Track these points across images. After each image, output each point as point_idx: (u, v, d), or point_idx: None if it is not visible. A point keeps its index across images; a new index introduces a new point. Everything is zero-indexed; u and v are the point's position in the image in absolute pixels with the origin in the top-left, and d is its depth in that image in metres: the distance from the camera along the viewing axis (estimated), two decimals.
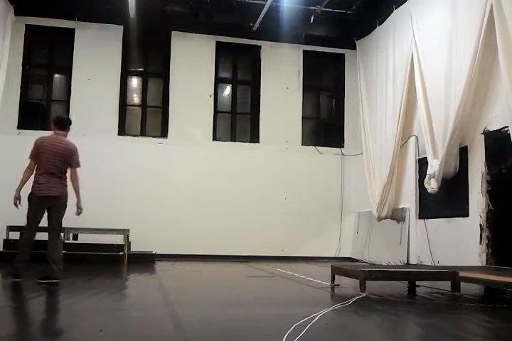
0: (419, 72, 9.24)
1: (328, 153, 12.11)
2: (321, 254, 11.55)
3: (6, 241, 9.41)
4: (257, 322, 3.96)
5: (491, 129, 7.66)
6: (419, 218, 9.45)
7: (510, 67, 6.85)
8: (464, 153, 8.20)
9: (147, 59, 12.10)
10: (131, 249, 9.80)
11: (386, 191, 10.15)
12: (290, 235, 11.46)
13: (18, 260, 5.93)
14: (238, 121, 12.30)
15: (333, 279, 6.20)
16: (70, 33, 11.35)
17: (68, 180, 6.23)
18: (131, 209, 10.70)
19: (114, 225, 9.73)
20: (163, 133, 11.60)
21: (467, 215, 7.98)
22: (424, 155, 9.03)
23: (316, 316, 3.92)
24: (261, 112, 12.08)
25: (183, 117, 11.61)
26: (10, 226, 9.41)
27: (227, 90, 12.56)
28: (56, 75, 11.96)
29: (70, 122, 6.58)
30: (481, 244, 7.60)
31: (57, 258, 5.95)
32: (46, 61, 11.83)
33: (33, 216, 6.06)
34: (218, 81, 12.19)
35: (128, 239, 9.64)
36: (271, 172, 11.68)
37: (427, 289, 6.10)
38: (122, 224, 9.74)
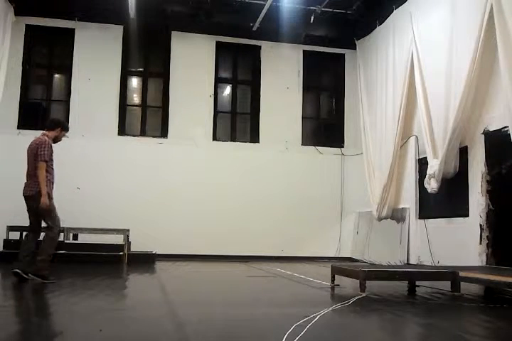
0: (419, 72, 9.24)
1: (328, 153, 12.11)
2: (321, 254, 11.55)
3: (6, 241, 9.40)
4: (257, 322, 3.96)
5: (491, 129, 7.66)
6: (419, 218, 9.45)
7: (510, 67, 6.85)
8: (464, 153, 8.20)
9: (147, 59, 12.09)
10: (131, 249, 9.80)
11: (386, 191, 10.15)
12: (290, 235, 11.45)
13: (19, 259, 5.99)
14: (238, 121, 12.30)
15: (333, 279, 6.20)
16: (70, 33, 11.35)
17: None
18: (131, 209, 10.70)
19: (114, 225, 9.74)
20: (163, 133, 11.60)
21: (467, 215, 7.98)
22: (424, 155, 9.03)
23: (316, 316, 3.92)
24: (261, 112, 12.08)
25: (183, 117, 11.61)
26: (10, 227, 9.41)
27: (227, 90, 12.55)
28: (56, 75, 11.97)
29: (55, 122, 6.52)
30: (481, 244, 7.60)
31: (38, 259, 5.97)
32: (46, 61, 11.83)
33: (28, 217, 6.21)
34: (218, 81, 12.19)
35: (128, 239, 9.65)
36: (271, 173, 11.67)
37: (427, 289, 6.10)
38: (122, 224, 9.75)
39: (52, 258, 8.50)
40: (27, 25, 11.19)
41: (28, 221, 6.23)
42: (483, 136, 7.81)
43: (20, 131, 10.74)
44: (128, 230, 9.66)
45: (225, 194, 11.36)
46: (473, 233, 7.71)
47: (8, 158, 10.35)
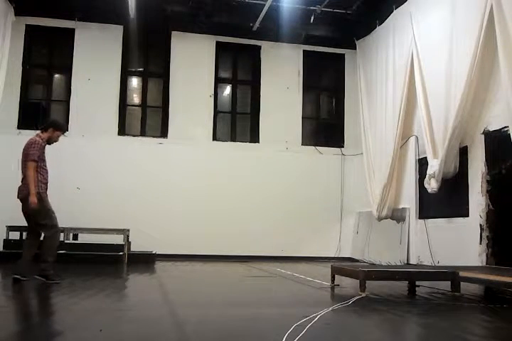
0: (419, 72, 9.24)
1: (328, 153, 12.11)
2: (321, 254, 11.54)
3: (6, 241, 9.41)
4: (257, 322, 3.96)
5: (491, 129, 7.66)
6: (419, 218, 9.45)
7: (510, 67, 6.85)
8: (464, 153, 8.20)
9: (147, 59, 12.10)
10: (131, 249, 9.80)
11: (386, 191, 10.15)
12: (290, 235, 11.45)
13: (21, 262, 6.02)
14: (238, 121, 12.30)
15: (333, 279, 6.20)
16: (70, 33, 11.35)
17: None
18: (131, 209, 10.71)
19: (114, 225, 9.74)
20: (163, 133, 11.60)
21: (467, 215, 7.98)
22: (424, 155, 9.03)
23: (316, 316, 3.92)
24: (261, 112, 12.08)
25: (183, 117, 11.61)
26: (10, 227, 9.41)
27: (227, 90, 12.55)
28: (56, 75, 11.97)
29: (47, 123, 6.42)
30: (481, 244, 7.60)
31: (41, 259, 5.96)
32: (46, 61, 11.83)
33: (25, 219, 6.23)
34: (218, 81, 12.19)
35: (128, 239, 9.65)
36: (271, 173, 11.67)
37: (427, 289, 6.10)
38: (122, 224, 9.75)
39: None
40: (27, 25, 11.18)
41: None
42: (483, 136, 7.81)
43: (20, 131, 10.74)
44: (128, 230, 9.66)
45: (225, 194, 11.35)
46: (473, 233, 7.71)
47: (8, 158, 10.32)
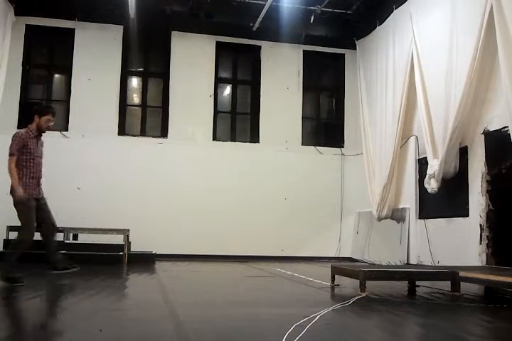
0: (419, 72, 9.24)
1: (328, 153, 12.11)
2: (321, 254, 11.55)
3: (6, 241, 9.40)
4: (257, 322, 3.96)
5: (491, 129, 7.66)
6: (419, 218, 9.45)
7: (510, 67, 6.85)
8: (464, 153, 8.20)
9: (147, 59, 12.10)
10: (131, 249, 9.80)
11: (386, 191, 10.15)
12: (290, 235, 11.45)
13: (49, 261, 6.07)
14: (238, 121, 12.30)
15: (333, 279, 6.20)
16: (70, 33, 11.35)
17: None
18: (131, 209, 10.70)
19: (114, 225, 9.74)
20: (163, 133, 11.61)
21: (467, 215, 7.98)
22: (424, 155, 9.03)
23: (316, 316, 3.92)
24: (261, 112, 12.08)
25: (183, 117, 11.61)
26: (10, 227, 9.40)
27: (227, 90, 12.56)
28: (56, 75, 11.97)
29: (32, 111, 6.12)
30: (481, 244, 7.60)
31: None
32: (46, 61, 11.83)
33: None
34: (218, 81, 12.19)
35: (128, 239, 9.64)
36: (271, 172, 11.67)
37: (427, 289, 6.10)
38: (122, 224, 9.75)
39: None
40: (27, 25, 11.18)
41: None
42: (483, 136, 7.81)
43: (20, 131, 10.73)
44: (128, 230, 9.66)
45: (225, 194, 11.36)
46: (473, 233, 7.71)
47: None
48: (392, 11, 10.41)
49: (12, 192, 5.75)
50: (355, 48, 12.13)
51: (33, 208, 5.84)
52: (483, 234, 7.59)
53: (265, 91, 12.14)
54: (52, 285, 5.71)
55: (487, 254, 7.51)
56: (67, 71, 11.42)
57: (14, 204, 5.79)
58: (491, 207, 7.59)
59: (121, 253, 9.26)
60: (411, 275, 5.86)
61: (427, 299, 5.36)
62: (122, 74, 11.56)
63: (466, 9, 7.95)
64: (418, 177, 9.57)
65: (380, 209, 10.30)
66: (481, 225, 7.63)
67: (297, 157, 11.94)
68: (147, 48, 12.01)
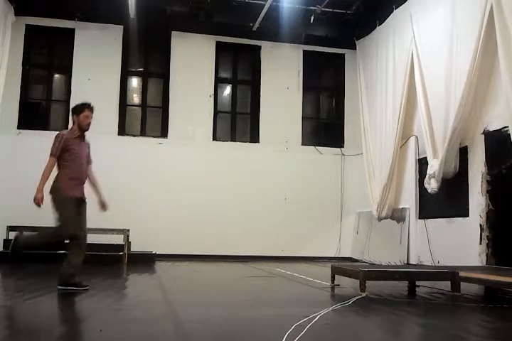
0: (419, 72, 9.24)
1: (328, 153, 12.11)
2: (321, 254, 11.55)
3: (6, 241, 9.39)
4: (257, 322, 3.96)
5: (491, 129, 7.66)
6: (419, 218, 9.45)
7: (510, 67, 6.85)
8: (464, 153, 8.20)
9: (147, 59, 12.09)
10: (131, 249, 9.80)
11: (386, 191, 10.14)
12: (290, 235, 11.45)
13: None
14: (238, 121, 12.30)
15: (333, 279, 6.20)
16: (70, 33, 11.34)
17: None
18: (131, 209, 10.69)
19: (114, 225, 9.73)
20: (163, 133, 11.60)
21: (467, 215, 7.98)
22: (424, 155, 9.03)
23: (316, 316, 3.92)
24: (261, 112, 12.08)
25: (183, 117, 11.61)
26: (10, 227, 9.41)
27: (227, 90, 12.55)
28: (56, 75, 11.96)
29: (73, 108, 6.04)
30: (481, 244, 7.60)
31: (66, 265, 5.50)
32: (46, 61, 11.83)
33: None
34: (218, 81, 12.19)
35: (128, 239, 9.65)
36: (271, 173, 11.67)
37: (427, 289, 6.10)
38: (122, 224, 9.74)
39: (54, 258, 8.51)
40: (27, 25, 11.18)
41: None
42: (483, 136, 7.81)
43: (21, 131, 10.75)
44: (128, 230, 9.66)
45: (225, 194, 11.36)
46: (473, 233, 7.71)
47: (9, 158, 10.36)
48: (392, 11, 10.41)
49: (52, 192, 5.50)
50: (355, 48, 12.13)
51: (71, 209, 5.56)
52: (483, 234, 7.59)
53: (265, 91, 12.14)
54: (52, 285, 5.71)
55: (487, 254, 7.51)
56: (67, 71, 11.42)
57: (54, 206, 5.52)
58: (491, 207, 7.60)
59: (121, 253, 9.26)
60: (411, 275, 5.86)
61: (427, 299, 5.36)
62: (122, 74, 11.56)
63: (466, 9, 7.94)
64: (418, 177, 9.57)
65: (380, 209, 10.29)
66: (481, 225, 7.63)
67: (297, 157, 11.94)
68: (147, 48, 12.01)
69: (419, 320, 4.24)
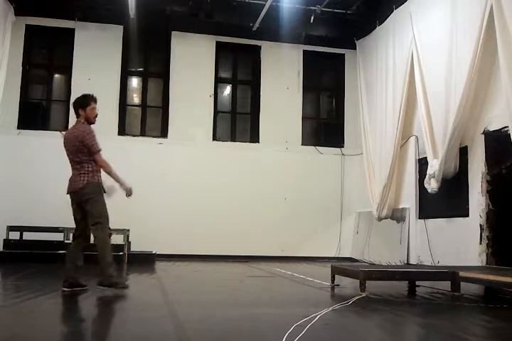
0: (419, 72, 9.24)
1: (328, 153, 12.10)
2: (321, 254, 11.54)
3: (6, 241, 9.40)
4: (257, 322, 3.96)
5: (491, 129, 7.66)
6: (419, 218, 9.45)
7: (510, 67, 6.85)
8: (464, 153, 8.20)
9: (147, 59, 12.09)
10: (131, 249, 9.79)
11: (386, 191, 10.14)
12: (290, 235, 11.45)
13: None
14: (238, 121, 12.30)
15: (333, 279, 6.20)
16: (70, 33, 11.34)
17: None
18: (131, 209, 10.66)
19: (114, 225, 9.69)
20: (163, 133, 11.60)
21: (467, 215, 7.98)
22: (424, 155, 9.03)
23: (316, 316, 3.92)
24: (261, 112, 12.08)
25: (183, 117, 11.61)
26: (10, 227, 9.40)
27: (227, 90, 12.55)
28: (56, 75, 11.96)
29: (75, 102, 5.82)
30: (481, 244, 7.60)
31: (102, 262, 5.28)
32: (46, 61, 11.83)
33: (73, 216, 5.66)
34: (218, 81, 12.19)
35: (128, 239, 9.64)
36: (271, 173, 11.67)
37: (427, 289, 6.10)
38: (122, 224, 9.73)
39: (53, 259, 8.52)
40: (27, 25, 11.18)
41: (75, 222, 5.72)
42: (483, 136, 7.81)
43: (20, 131, 10.75)
44: (128, 230, 9.65)
45: (225, 194, 11.35)
46: (473, 233, 7.71)
47: (9, 158, 10.36)
48: (392, 11, 10.41)
49: (85, 189, 5.44)
50: (355, 48, 12.13)
51: (104, 202, 5.65)
52: (483, 234, 7.59)
53: (265, 91, 12.14)
54: (52, 285, 5.70)
55: (487, 254, 7.51)
56: (67, 71, 11.42)
57: (85, 200, 5.47)
58: (491, 207, 7.60)
59: (121, 253, 9.25)
60: (411, 275, 5.86)
61: (427, 299, 5.36)
62: (122, 74, 11.56)
63: (466, 9, 7.94)
64: (418, 177, 9.57)
65: (380, 209, 10.29)
66: (481, 225, 7.63)
67: (297, 157, 11.94)
68: (147, 48, 12.01)
69: (419, 320, 4.24)
